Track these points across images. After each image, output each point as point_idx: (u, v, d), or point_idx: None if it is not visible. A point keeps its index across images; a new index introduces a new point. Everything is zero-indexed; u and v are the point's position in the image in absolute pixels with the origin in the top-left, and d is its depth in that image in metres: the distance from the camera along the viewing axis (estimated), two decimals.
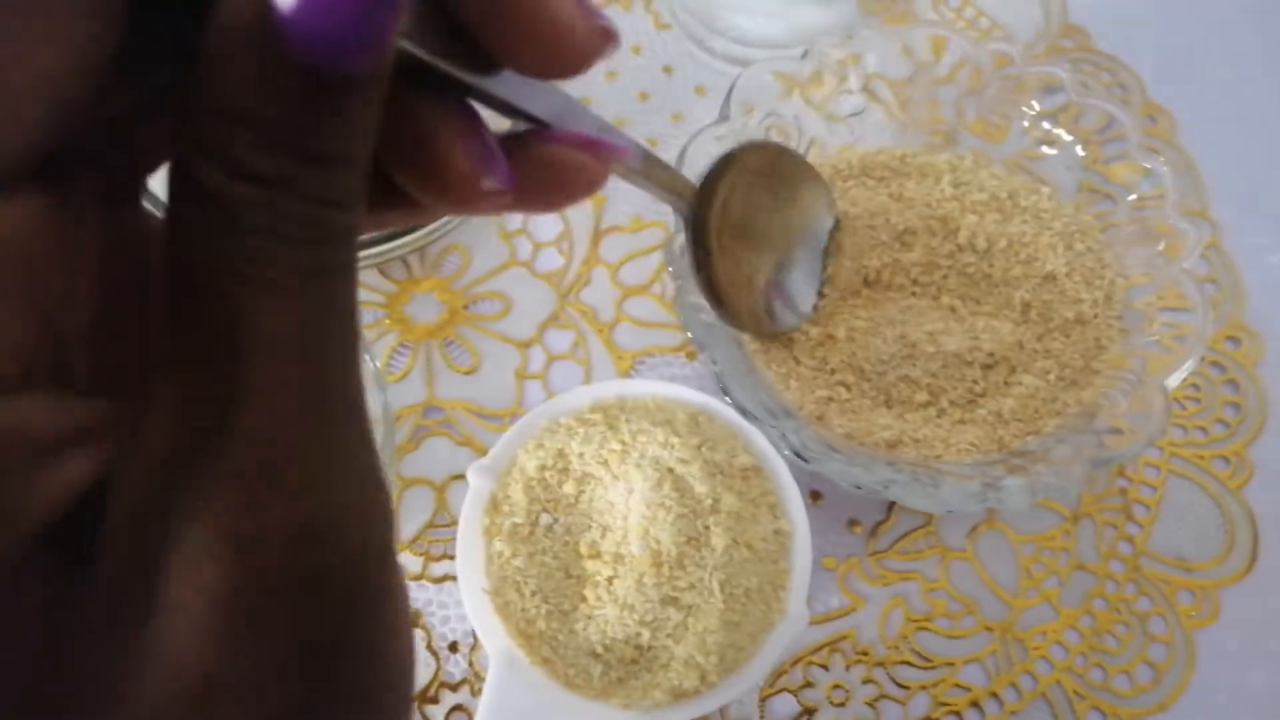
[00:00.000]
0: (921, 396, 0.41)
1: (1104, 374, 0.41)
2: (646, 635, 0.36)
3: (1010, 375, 0.42)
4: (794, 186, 0.39)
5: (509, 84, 0.18)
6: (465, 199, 0.18)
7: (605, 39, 0.17)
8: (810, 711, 0.41)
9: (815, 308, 0.43)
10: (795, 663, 0.42)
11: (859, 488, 0.36)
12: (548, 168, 0.19)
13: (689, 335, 0.37)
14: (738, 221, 0.37)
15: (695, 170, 0.36)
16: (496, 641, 0.36)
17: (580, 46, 0.17)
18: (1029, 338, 0.42)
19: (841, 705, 0.42)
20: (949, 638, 0.43)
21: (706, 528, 0.36)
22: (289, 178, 0.13)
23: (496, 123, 0.19)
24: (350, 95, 0.13)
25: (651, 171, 0.28)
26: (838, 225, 0.42)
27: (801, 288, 0.42)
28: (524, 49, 0.17)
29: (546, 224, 0.49)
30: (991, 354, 0.41)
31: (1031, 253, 0.43)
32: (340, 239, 0.14)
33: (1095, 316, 0.42)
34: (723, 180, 0.36)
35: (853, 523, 0.44)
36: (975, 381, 0.41)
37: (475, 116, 0.18)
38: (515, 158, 0.19)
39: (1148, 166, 0.42)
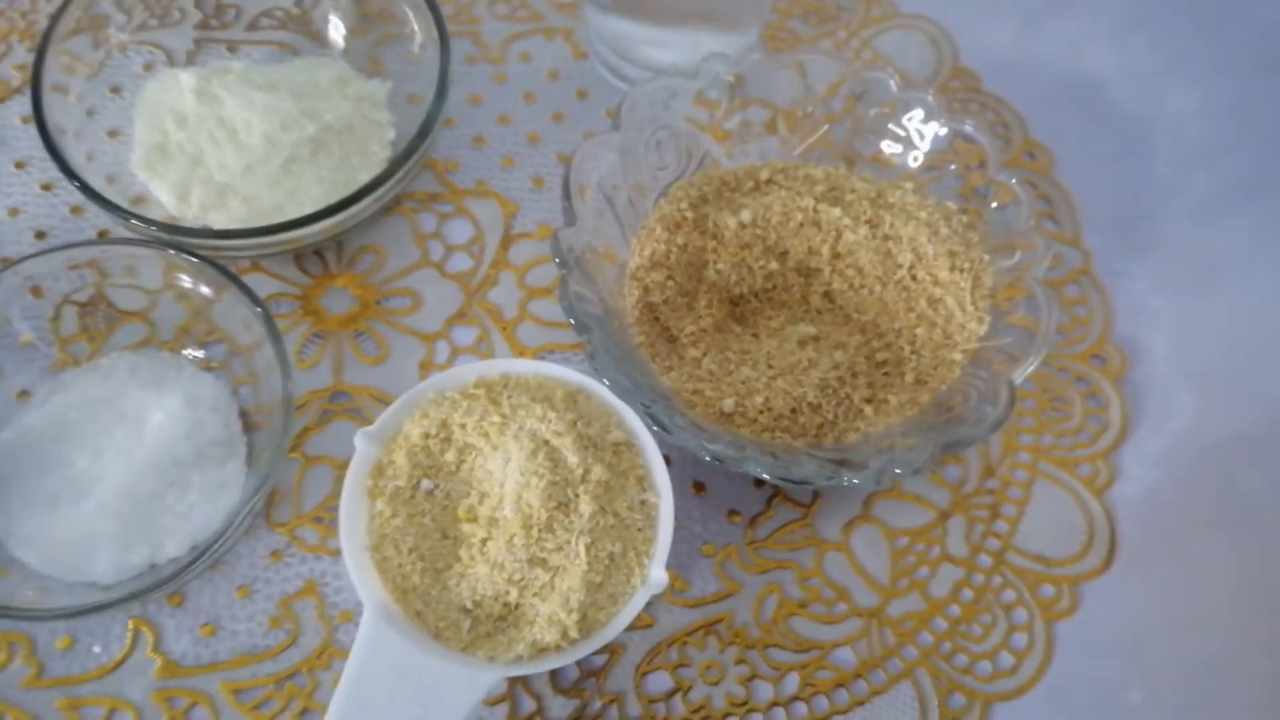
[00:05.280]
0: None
1: (959, 370, 0.44)
2: (514, 593, 0.38)
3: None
4: None
5: None
6: None
7: None
8: (685, 689, 0.43)
9: None
10: (671, 643, 0.44)
11: (719, 461, 0.38)
12: None
13: (571, 321, 0.40)
14: None
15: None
16: (372, 593, 0.37)
17: None
18: (887, 350, 0.45)
19: (715, 684, 0.43)
20: (821, 623, 0.45)
21: (576, 495, 0.38)
22: None
23: None
24: None
25: None
26: None
27: None
28: None
29: (459, 229, 0.52)
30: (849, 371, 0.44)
31: (894, 247, 0.46)
32: None
33: (960, 303, 0.45)
34: None
35: (732, 513, 0.47)
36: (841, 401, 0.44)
37: None
38: None
39: (1004, 181, 0.45)
